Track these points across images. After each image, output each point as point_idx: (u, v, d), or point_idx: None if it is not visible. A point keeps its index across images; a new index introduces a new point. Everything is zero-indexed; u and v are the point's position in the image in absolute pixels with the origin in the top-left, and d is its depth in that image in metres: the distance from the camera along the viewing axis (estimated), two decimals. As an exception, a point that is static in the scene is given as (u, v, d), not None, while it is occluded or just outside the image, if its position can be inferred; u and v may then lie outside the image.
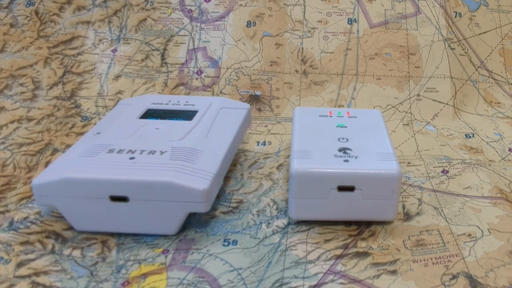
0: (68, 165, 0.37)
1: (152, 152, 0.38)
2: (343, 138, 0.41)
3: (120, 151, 0.38)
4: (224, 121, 0.45)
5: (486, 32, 0.61)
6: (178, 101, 0.47)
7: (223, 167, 0.40)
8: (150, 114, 0.45)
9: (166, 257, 0.36)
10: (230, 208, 0.41)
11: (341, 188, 0.37)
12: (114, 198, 0.36)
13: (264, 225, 0.39)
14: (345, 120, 0.45)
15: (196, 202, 0.36)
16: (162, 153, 0.38)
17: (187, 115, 0.45)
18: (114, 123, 0.43)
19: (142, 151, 0.38)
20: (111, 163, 0.37)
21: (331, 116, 0.45)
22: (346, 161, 0.38)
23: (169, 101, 0.47)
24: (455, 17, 0.61)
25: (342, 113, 0.46)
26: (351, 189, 0.37)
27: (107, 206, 0.36)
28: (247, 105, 0.48)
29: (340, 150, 0.39)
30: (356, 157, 0.38)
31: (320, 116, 0.45)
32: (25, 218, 0.39)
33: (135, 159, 0.37)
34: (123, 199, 0.36)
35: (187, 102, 0.47)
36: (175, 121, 0.43)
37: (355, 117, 0.45)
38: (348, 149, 0.39)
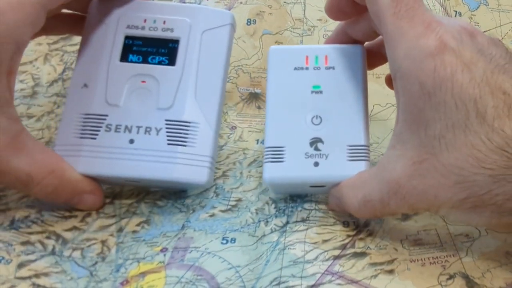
0: (68, 153, 0.38)
1: (148, 131, 0.39)
2: (316, 117, 0.40)
3: (117, 129, 0.39)
4: (211, 59, 0.42)
5: (486, 31, 0.61)
6: (155, 21, 0.43)
7: (218, 127, 0.41)
8: (129, 48, 0.42)
9: (164, 255, 0.36)
10: (228, 206, 0.42)
11: (314, 186, 0.40)
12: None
13: (262, 224, 0.40)
14: (322, 75, 0.41)
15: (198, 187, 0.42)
16: (157, 132, 0.39)
17: (169, 52, 0.42)
18: (96, 66, 0.41)
19: (138, 128, 0.39)
20: (112, 152, 0.38)
21: (307, 69, 0.42)
22: (316, 164, 0.38)
23: (145, 22, 0.42)
24: (455, 16, 0.61)
25: (320, 59, 0.42)
26: (323, 186, 0.40)
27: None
28: (229, 15, 0.43)
29: (311, 145, 0.39)
30: (326, 157, 0.39)
31: (295, 69, 0.42)
32: (26, 217, 0.39)
33: (135, 143, 0.39)
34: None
35: (164, 23, 0.43)
36: (158, 67, 0.41)
37: (333, 67, 0.42)
38: (320, 140, 0.39)
